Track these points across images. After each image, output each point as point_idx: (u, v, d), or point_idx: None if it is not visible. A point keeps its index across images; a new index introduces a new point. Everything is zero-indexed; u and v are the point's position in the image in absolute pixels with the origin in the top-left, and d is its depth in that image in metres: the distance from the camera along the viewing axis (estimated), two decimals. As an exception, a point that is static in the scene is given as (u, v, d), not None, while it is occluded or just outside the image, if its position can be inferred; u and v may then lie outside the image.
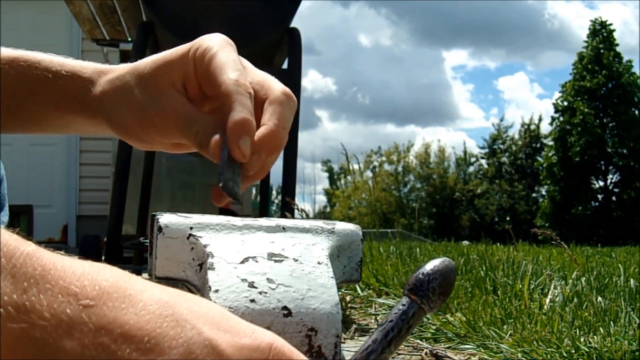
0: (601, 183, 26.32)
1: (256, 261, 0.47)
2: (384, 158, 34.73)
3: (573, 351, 1.40)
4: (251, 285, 0.45)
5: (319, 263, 0.48)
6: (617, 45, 26.27)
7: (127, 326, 0.33)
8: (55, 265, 0.33)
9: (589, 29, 26.58)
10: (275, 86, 0.59)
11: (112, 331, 0.33)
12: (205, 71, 0.58)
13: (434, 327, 1.71)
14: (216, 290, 0.44)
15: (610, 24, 26.39)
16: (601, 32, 26.26)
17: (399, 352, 1.55)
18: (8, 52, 0.67)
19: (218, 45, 0.59)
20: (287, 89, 0.59)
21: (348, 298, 2.34)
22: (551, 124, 27.29)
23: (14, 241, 0.33)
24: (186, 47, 0.61)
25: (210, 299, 0.44)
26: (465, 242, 5.72)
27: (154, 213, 0.50)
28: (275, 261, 0.47)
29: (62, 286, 0.32)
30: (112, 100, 0.64)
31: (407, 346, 1.61)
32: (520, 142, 31.69)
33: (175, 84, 0.61)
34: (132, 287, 0.35)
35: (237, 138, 0.53)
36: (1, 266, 0.31)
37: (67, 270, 0.33)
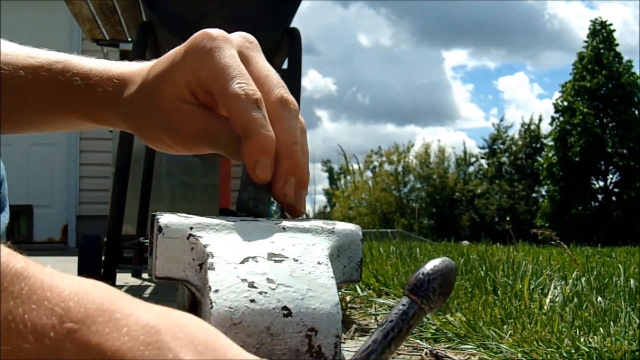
0: (601, 183, 26.33)
1: (256, 261, 0.47)
2: (384, 158, 34.78)
3: (573, 351, 1.40)
4: (251, 285, 0.45)
5: (319, 263, 0.48)
6: (617, 45, 26.29)
7: (109, 353, 0.33)
8: (43, 284, 0.33)
9: (589, 29, 26.61)
10: (271, 94, 0.54)
11: (93, 358, 0.32)
12: (204, 84, 0.55)
13: (434, 327, 1.71)
14: (216, 290, 0.44)
15: (610, 24, 26.42)
16: (601, 32, 26.27)
17: (399, 352, 1.55)
18: (31, 60, 0.64)
19: (209, 49, 0.54)
20: (284, 94, 0.55)
21: (348, 298, 2.34)
22: (551, 124, 27.33)
23: (4, 257, 0.32)
24: (181, 54, 0.57)
25: (211, 299, 0.44)
26: (465, 242, 5.72)
27: (154, 213, 0.50)
28: (275, 261, 0.47)
29: (48, 307, 0.32)
30: (133, 123, 0.62)
31: (407, 346, 1.61)
32: (520, 142, 31.71)
33: (184, 97, 0.57)
34: (119, 310, 0.34)
35: (253, 163, 0.52)
36: None
37: (53, 290, 0.33)
